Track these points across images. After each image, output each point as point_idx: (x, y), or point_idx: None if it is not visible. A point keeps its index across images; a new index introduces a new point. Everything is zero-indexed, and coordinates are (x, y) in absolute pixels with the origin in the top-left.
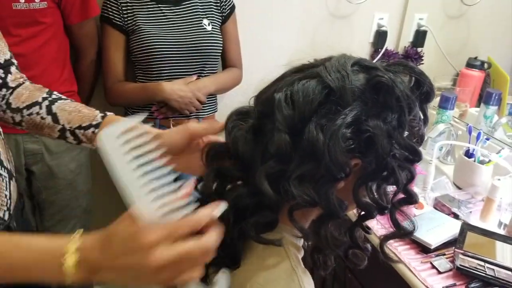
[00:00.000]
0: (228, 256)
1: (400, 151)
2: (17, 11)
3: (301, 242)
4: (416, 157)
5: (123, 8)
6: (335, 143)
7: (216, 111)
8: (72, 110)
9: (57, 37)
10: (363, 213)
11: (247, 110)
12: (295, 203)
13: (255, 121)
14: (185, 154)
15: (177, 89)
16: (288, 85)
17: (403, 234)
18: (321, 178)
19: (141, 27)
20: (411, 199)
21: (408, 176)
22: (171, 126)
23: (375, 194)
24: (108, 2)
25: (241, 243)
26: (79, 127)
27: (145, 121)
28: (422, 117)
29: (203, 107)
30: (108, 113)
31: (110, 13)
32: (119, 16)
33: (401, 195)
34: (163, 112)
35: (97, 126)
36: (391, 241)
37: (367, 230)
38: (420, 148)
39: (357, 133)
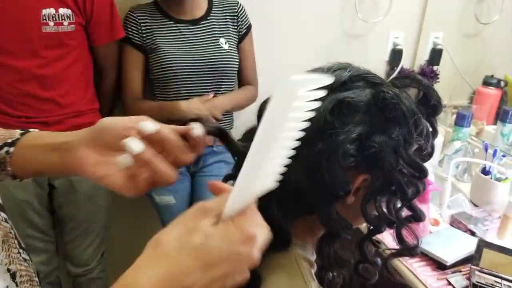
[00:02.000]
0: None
1: (405, 167)
2: (46, 34)
3: (314, 257)
4: (421, 173)
5: (143, 28)
6: (335, 161)
7: (232, 127)
8: None
9: (82, 58)
10: (372, 227)
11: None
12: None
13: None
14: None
15: (194, 108)
16: None
17: (407, 250)
18: (322, 197)
19: (160, 46)
20: (416, 216)
21: (414, 192)
22: None
23: (384, 208)
24: (128, 22)
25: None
26: None
27: None
28: (431, 129)
29: (220, 124)
30: (32, 130)
31: (130, 33)
32: (138, 36)
33: (407, 212)
34: None
35: (12, 144)
36: (407, 258)
37: (377, 244)
38: (429, 164)
39: (362, 149)
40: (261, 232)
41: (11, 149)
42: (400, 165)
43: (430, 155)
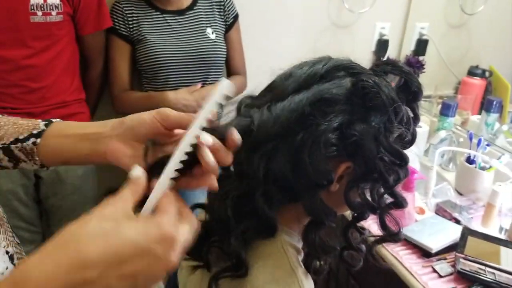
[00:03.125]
0: (234, 264)
1: (386, 154)
2: (34, 24)
3: (300, 243)
4: (402, 161)
5: (129, 19)
6: (317, 151)
7: (220, 117)
8: (3, 124)
9: (69, 48)
10: (356, 214)
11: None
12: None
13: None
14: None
15: (181, 98)
16: None
17: (390, 236)
18: (305, 186)
19: (146, 37)
20: (398, 202)
21: (395, 179)
22: None
23: (367, 195)
24: (114, 12)
25: (243, 249)
26: (15, 141)
27: None
28: (412, 116)
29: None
30: (54, 120)
31: (116, 24)
32: (124, 26)
33: (390, 199)
34: None
35: (38, 135)
36: (393, 245)
37: (362, 231)
38: (414, 153)
39: (344, 138)
40: (183, 235)
41: (38, 140)
42: (381, 152)
43: (412, 141)
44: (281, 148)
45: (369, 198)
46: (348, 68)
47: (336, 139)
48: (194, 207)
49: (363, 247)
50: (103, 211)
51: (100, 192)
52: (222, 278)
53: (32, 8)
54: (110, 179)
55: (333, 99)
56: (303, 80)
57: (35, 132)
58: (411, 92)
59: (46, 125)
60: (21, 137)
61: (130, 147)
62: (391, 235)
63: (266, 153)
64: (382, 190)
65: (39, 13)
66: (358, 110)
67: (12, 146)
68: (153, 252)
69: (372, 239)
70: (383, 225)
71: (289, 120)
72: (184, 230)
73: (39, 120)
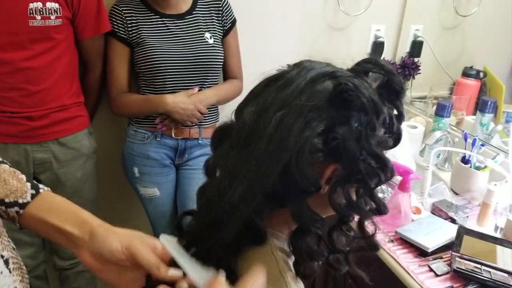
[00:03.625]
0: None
1: (367, 157)
2: (33, 28)
3: (290, 247)
4: (382, 164)
5: (128, 22)
6: (303, 158)
7: (217, 121)
8: None
9: (68, 52)
10: (340, 217)
11: (229, 126)
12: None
13: (239, 137)
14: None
15: (179, 101)
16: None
17: (365, 239)
18: (293, 193)
19: (145, 40)
20: (379, 208)
21: (376, 182)
22: (173, 134)
23: (351, 197)
24: (113, 15)
25: (232, 257)
26: (1, 202)
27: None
28: (396, 113)
29: (205, 117)
30: (42, 189)
31: (115, 26)
32: (123, 29)
33: (371, 204)
34: (166, 124)
35: (23, 206)
36: (390, 245)
37: (347, 233)
38: (410, 153)
39: (328, 142)
40: None
41: (21, 211)
42: (363, 155)
43: (397, 140)
44: (268, 157)
45: (353, 200)
46: (328, 73)
47: (321, 144)
48: (184, 214)
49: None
50: None
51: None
52: None
53: (31, 12)
54: (108, 182)
55: (315, 106)
56: (284, 100)
57: (20, 201)
58: (393, 90)
59: (32, 196)
60: (6, 200)
61: (99, 262)
62: (366, 238)
63: None
64: (363, 193)
65: (38, 17)
66: (339, 114)
67: None
68: None
69: (351, 245)
70: (360, 227)
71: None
72: None
73: (28, 185)
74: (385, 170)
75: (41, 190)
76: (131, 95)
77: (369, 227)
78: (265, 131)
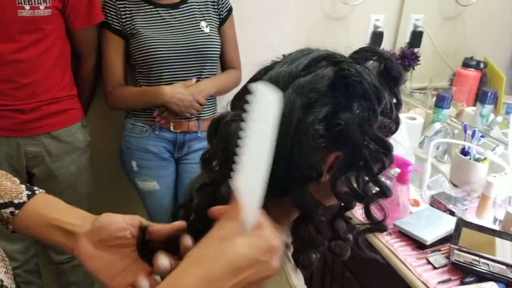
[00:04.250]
0: None
1: (371, 142)
2: (22, 18)
3: (289, 238)
4: (386, 149)
5: (122, 13)
6: (305, 144)
7: (215, 112)
8: None
9: (59, 43)
10: (343, 204)
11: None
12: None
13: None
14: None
15: (177, 92)
16: None
17: (375, 225)
18: (295, 180)
19: (140, 31)
20: (383, 192)
21: (380, 167)
22: (171, 128)
23: (354, 184)
24: (106, 7)
25: None
26: None
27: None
28: (395, 101)
29: (203, 109)
30: (38, 191)
31: (109, 18)
32: (117, 21)
33: (376, 188)
34: (164, 117)
35: (19, 206)
36: (388, 238)
37: (348, 220)
38: (409, 145)
39: (330, 128)
40: (279, 244)
41: (17, 211)
42: (366, 140)
43: (396, 127)
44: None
45: (356, 187)
46: (329, 57)
47: (323, 129)
48: (180, 207)
49: (350, 236)
50: (220, 232)
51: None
52: None
53: (20, 2)
54: (104, 176)
55: (317, 91)
56: (285, 80)
57: (16, 201)
58: (391, 78)
59: (28, 197)
60: (0, 201)
61: (94, 247)
62: (376, 224)
63: None
64: (367, 178)
65: (27, 7)
66: (342, 99)
67: None
68: (261, 262)
69: (358, 228)
70: (368, 213)
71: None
72: (279, 239)
73: (23, 187)
74: (388, 155)
75: (37, 192)
76: (127, 87)
77: (376, 211)
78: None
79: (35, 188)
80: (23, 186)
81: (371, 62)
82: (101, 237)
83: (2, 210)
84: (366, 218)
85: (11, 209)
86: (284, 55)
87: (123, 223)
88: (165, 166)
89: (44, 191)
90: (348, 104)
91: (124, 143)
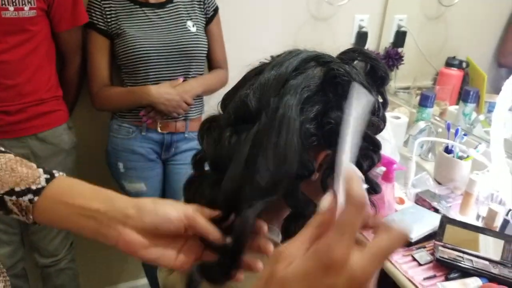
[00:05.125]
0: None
1: (360, 140)
2: (6, 19)
3: (279, 238)
4: (375, 146)
5: (107, 13)
6: (295, 142)
7: (202, 113)
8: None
9: (44, 44)
10: None
11: (217, 117)
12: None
13: (230, 127)
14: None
15: (163, 92)
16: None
17: None
18: (285, 178)
19: (126, 31)
20: (373, 188)
21: (369, 164)
22: (158, 129)
23: None
24: (91, 7)
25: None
26: (11, 192)
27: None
28: (381, 100)
29: (190, 109)
30: (57, 174)
31: (94, 18)
32: (103, 21)
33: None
34: (151, 117)
35: (37, 192)
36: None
37: None
38: (394, 144)
39: (321, 127)
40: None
41: (36, 198)
42: None
43: (383, 126)
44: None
45: None
46: (318, 58)
47: (314, 128)
48: None
49: None
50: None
51: None
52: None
53: (3, 3)
54: (90, 178)
55: (308, 92)
56: (277, 82)
57: (33, 187)
58: (378, 77)
59: (47, 181)
60: (17, 189)
61: (146, 237)
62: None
63: None
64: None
65: (11, 8)
66: (332, 99)
67: (6, 197)
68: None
69: None
70: None
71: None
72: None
73: (40, 171)
74: (377, 152)
75: (56, 175)
76: (113, 88)
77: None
78: (267, 113)
79: (54, 171)
80: (40, 170)
81: (357, 62)
82: (157, 228)
83: (21, 199)
84: None
85: (30, 196)
86: (272, 56)
87: (177, 215)
88: (152, 167)
89: (64, 174)
90: (338, 103)
91: (110, 145)
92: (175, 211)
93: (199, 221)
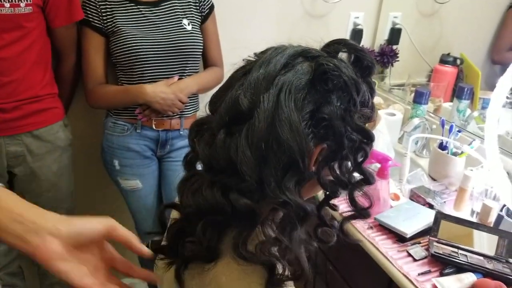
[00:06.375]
0: (205, 252)
1: (353, 133)
2: (2, 16)
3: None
4: (368, 138)
5: (102, 10)
6: (299, 137)
7: (198, 110)
8: None
9: (40, 41)
10: (328, 193)
11: (207, 119)
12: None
13: (223, 129)
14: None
15: (159, 91)
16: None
17: (359, 211)
18: (287, 175)
19: (121, 28)
20: (367, 179)
21: (363, 155)
22: (153, 126)
23: (337, 172)
24: (87, 4)
25: (215, 237)
26: None
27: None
28: (369, 89)
29: (185, 107)
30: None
31: (89, 16)
32: (98, 18)
33: (359, 176)
34: (146, 115)
35: None
36: (369, 231)
37: (334, 207)
38: (388, 140)
39: (314, 122)
40: None
41: None
42: (348, 131)
43: (373, 110)
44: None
45: (340, 175)
46: (305, 53)
47: (309, 124)
48: (166, 207)
49: (336, 223)
50: None
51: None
52: (191, 263)
53: None
54: (86, 175)
55: (298, 88)
56: (266, 81)
57: None
58: (364, 68)
59: None
60: None
61: (66, 250)
62: (359, 210)
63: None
64: (351, 167)
65: (7, 4)
66: (323, 94)
67: None
68: None
69: (343, 215)
70: (352, 200)
71: (259, 113)
72: None
73: None
74: (369, 144)
75: None
76: (108, 86)
77: (360, 199)
78: (260, 112)
79: None
80: None
81: (341, 53)
82: (79, 243)
83: None
84: (350, 205)
85: None
86: (256, 53)
87: (101, 229)
88: (147, 164)
89: (3, 186)
90: (329, 97)
91: (105, 142)
92: (97, 219)
93: (119, 227)
